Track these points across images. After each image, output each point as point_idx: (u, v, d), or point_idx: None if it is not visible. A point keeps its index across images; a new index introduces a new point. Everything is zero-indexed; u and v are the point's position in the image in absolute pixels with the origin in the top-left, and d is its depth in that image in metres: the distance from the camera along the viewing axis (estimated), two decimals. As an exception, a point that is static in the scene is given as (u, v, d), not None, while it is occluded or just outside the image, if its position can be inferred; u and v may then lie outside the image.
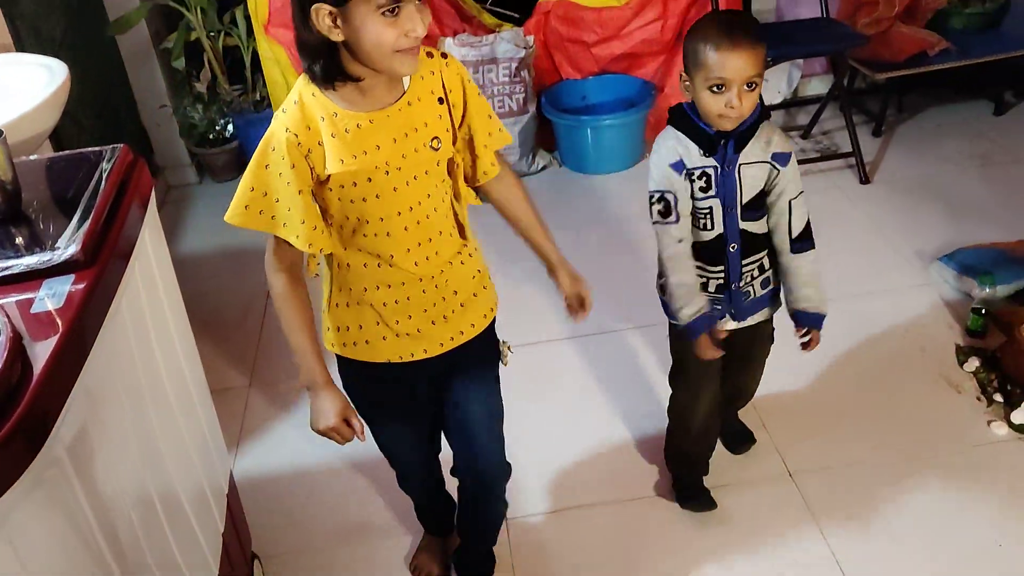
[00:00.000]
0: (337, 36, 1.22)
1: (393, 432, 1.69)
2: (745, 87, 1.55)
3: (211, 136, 3.58)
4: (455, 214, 1.48)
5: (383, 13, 1.20)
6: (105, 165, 1.39)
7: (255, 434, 2.37)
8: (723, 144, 1.63)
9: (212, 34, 3.39)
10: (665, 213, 1.68)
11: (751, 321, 1.84)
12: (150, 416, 1.35)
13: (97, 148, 1.45)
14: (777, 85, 3.77)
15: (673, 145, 1.66)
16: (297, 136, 1.29)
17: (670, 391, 1.96)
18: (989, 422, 2.16)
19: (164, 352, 1.45)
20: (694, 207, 1.69)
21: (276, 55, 3.32)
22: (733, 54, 1.52)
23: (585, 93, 3.55)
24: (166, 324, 1.49)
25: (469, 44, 3.35)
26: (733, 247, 1.72)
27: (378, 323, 1.47)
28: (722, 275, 1.75)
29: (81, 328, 1.12)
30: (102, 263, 1.21)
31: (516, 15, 3.59)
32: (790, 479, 2.06)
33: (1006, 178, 3.18)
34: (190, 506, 1.47)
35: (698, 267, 1.74)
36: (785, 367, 2.04)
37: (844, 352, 2.42)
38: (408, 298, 1.45)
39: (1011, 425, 2.13)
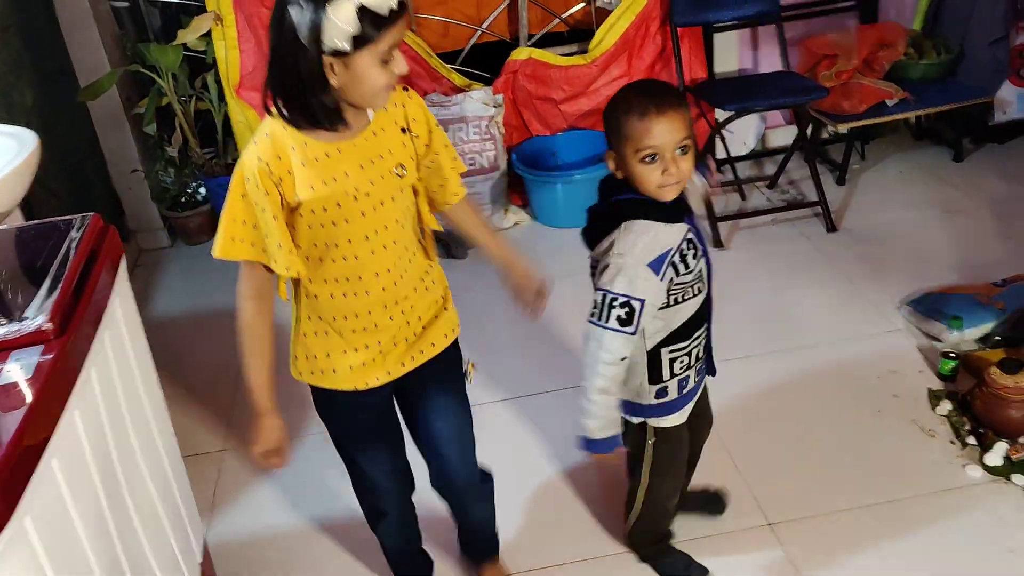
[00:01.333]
0: (333, 81, 1.30)
1: (369, 459, 1.71)
2: (678, 152, 1.49)
3: (183, 200, 3.58)
4: (420, 238, 1.56)
5: (382, 60, 1.31)
6: (74, 234, 1.39)
7: (230, 499, 2.34)
8: (680, 206, 1.59)
9: (183, 99, 3.41)
10: (626, 322, 1.54)
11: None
12: (120, 484, 1.33)
13: (67, 217, 1.46)
14: (743, 137, 3.84)
15: (651, 239, 1.54)
16: (269, 165, 1.35)
17: (644, 482, 1.83)
18: (964, 465, 2.17)
19: (135, 419, 1.44)
20: (684, 281, 1.59)
21: (248, 118, 3.35)
22: (661, 120, 1.46)
23: (555, 149, 3.60)
24: (137, 391, 1.48)
25: (439, 104, 3.39)
26: (707, 301, 1.69)
27: (344, 351, 1.52)
28: (702, 337, 1.69)
29: (49, 399, 1.11)
30: (71, 333, 1.21)
31: (485, 74, 3.66)
32: (770, 530, 2.06)
33: (968, 223, 3.25)
34: (163, 575, 1.45)
35: (686, 344, 1.65)
36: (758, 419, 2.04)
37: (817, 400, 2.43)
38: (376, 325, 1.51)
39: (985, 467, 2.14)
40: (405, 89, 1.50)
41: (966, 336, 2.54)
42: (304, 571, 2.11)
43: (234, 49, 3.29)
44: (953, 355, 2.44)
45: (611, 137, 1.53)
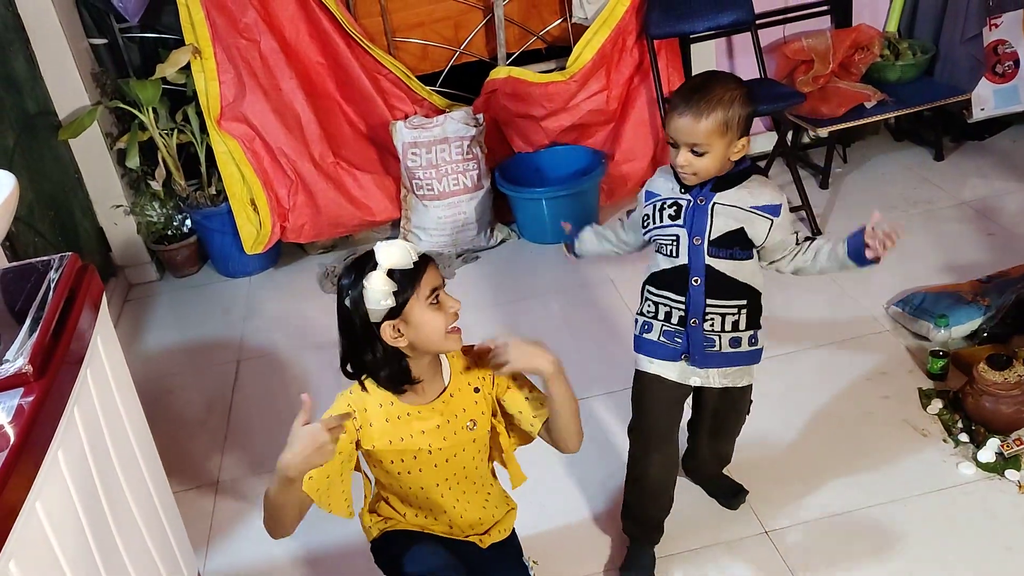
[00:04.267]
0: (403, 342, 1.46)
1: None
2: (691, 151, 1.67)
3: (169, 232, 3.58)
4: (491, 469, 1.73)
5: (430, 304, 1.46)
6: (53, 275, 1.39)
7: (226, 532, 2.32)
8: (700, 185, 1.74)
9: (165, 132, 3.42)
10: (627, 214, 1.94)
11: (715, 381, 1.85)
12: (108, 522, 1.33)
13: (45, 258, 1.46)
14: (725, 145, 3.85)
15: (657, 177, 1.84)
16: (355, 413, 1.53)
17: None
18: (957, 463, 2.17)
19: (122, 457, 1.43)
20: (660, 233, 1.78)
21: (230, 148, 3.35)
22: (679, 119, 1.66)
23: (538, 165, 3.61)
24: (123, 428, 1.47)
25: (420, 126, 3.41)
26: (696, 280, 1.76)
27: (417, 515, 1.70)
28: (683, 307, 1.79)
29: (31, 441, 1.11)
30: (52, 374, 1.21)
31: (466, 95, 3.67)
32: (766, 537, 2.05)
33: (951, 221, 3.26)
34: (156, 614, 1.44)
35: (664, 294, 1.82)
36: (749, 425, 2.04)
37: (809, 404, 2.44)
38: (436, 518, 1.68)
39: (978, 464, 2.15)
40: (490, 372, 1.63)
41: (953, 334, 2.54)
42: (302, 601, 2.10)
43: (213, 81, 3.30)
44: (942, 353, 2.45)
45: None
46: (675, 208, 1.77)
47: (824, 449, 2.28)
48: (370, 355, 1.48)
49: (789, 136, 3.60)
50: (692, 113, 1.65)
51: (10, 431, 1.10)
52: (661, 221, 1.78)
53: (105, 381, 1.42)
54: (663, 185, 1.81)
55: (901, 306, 2.71)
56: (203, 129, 3.40)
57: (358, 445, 1.54)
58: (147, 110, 3.32)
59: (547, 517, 2.20)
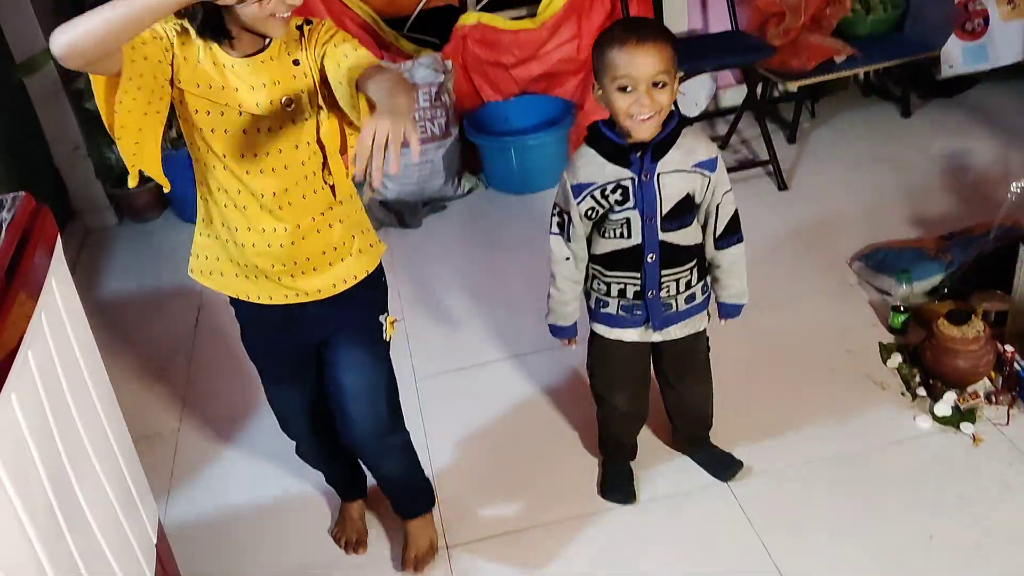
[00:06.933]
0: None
1: (278, 391, 1.80)
2: (653, 86, 1.56)
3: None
4: (325, 175, 1.54)
5: None
6: (5, 215, 1.35)
7: (186, 480, 2.31)
8: (639, 156, 1.65)
9: (124, 73, 3.32)
10: (561, 228, 1.76)
11: (675, 335, 1.87)
12: (65, 467, 1.30)
13: (-4, 197, 1.41)
14: (695, 98, 3.84)
15: (581, 165, 1.69)
16: (176, 37, 1.38)
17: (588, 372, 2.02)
18: (914, 416, 2.21)
19: (79, 401, 1.40)
20: (611, 219, 1.71)
21: (191, 91, 3.27)
22: (639, 51, 1.54)
23: (507, 114, 3.57)
24: (80, 374, 1.44)
25: (387, 71, 3.34)
26: (651, 257, 1.75)
27: (231, 259, 1.57)
28: (639, 283, 1.78)
29: (-17, 384, 1.08)
30: (3, 316, 1.17)
31: (434, 40, 3.60)
32: (726, 487, 2.08)
33: (916, 178, 3.28)
34: (116, 559, 1.42)
35: (616, 274, 1.78)
36: (714, 374, 2.06)
37: (770, 358, 2.46)
38: (268, 244, 1.52)
39: (935, 417, 2.18)
40: (308, 22, 1.47)
41: (915, 289, 2.57)
42: (264, 549, 2.09)
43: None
44: (903, 309, 2.48)
45: (596, 68, 1.61)
46: (621, 191, 1.67)
47: (785, 401, 2.31)
48: None
49: (759, 90, 3.58)
50: (651, 41, 1.53)
51: (-39, 374, 1.07)
52: (609, 206, 1.69)
53: (60, 325, 1.39)
54: (593, 171, 1.68)
55: (864, 261, 2.74)
56: (163, 70, 3.31)
57: (173, 83, 1.39)
58: (105, 49, 3.21)
59: (531, 464, 2.21)
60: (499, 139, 3.46)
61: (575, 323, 1.90)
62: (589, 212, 1.71)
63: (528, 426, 2.34)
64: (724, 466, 2.12)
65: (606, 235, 1.74)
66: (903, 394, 2.28)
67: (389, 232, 3.32)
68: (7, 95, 3.18)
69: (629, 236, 1.72)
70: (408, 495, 1.97)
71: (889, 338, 2.48)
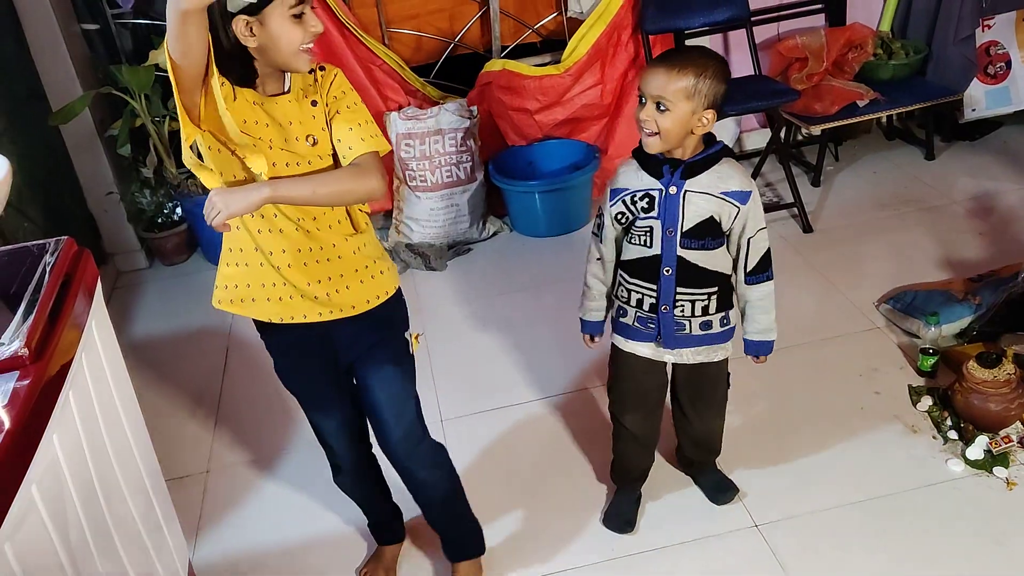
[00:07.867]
0: (252, 43, 1.41)
1: (316, 414, 1.81)
2: (655, 107, 1.66)
3: (159, 220, 3.56)
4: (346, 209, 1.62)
5: (292, 17, 1.41)
6: (49, 258, 1.38)
7: (216, 520, 2.32)
8: (671, 170, 1.73)
9: (157, 119, 3.40)
10: (599, 228, 1.87)
11: (689, 359, 1.90)
12: (101, 507, 1.32)
13: (40, 241, 1.45)
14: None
15: (623, 171, 1.81)
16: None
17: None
18: (946, 460, 2.18)
19: (115, 442, 1.43)
20: (636, 225, 1.79)
21: (222, 137, 3.33)
22: (655, 69, 1.67)
23: (531, 159, 3.61)
24: (116, 414, 1.47)
25: (414, 117, 3.40)
26: (668, 271, 1.79)
27: (263, 284, 1.59)
28: (655, 294, 1.82)
29: (27, 424, 1.10)
30: (47, 358, 1.20)
31: (460, 87, 3.66)
32: (756, 531, 2.06)
33: (942, 220, 3.28)
34: (148, 600, 1.43)
35: (636, 282, 1.84)
36: (742, 417, 2.05)
37: (801, 399, 2.44)
38: (304, 263, 1.57)
39: (967, 461, 2.16)
40: (321, 68, 1.56)
41: (944, 332, 2.56)
42: (292, 590, 2.09)
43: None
44: (932, 351, 2.46)
45: None
46: (647, 200, 1.76)
47: (815, 444, 2.29)
48: (222, 49, 1.40)
49: (783, 133, 3.61)
50: (665, 67, 1.66)
51: (5, 415, 1.09)
52: (636, 213, 1.78)
53: (99, 366, 1.41)
54: (630, 178, 1.79)
55: (893, 303, 2.73)
56: (195, 117, 3.37)
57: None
58: (139, 97, 3.29)
59: (558, 508, 2.20)
60: (523, 183, 3.49)
61: (600, 322, 1.98)
62: (619, 216, 1.81)
63: (555, 470, 2.33)
64: (720, 490, 2.15)
65: (632, 241, 1.82)
66: (934, 437, 2.26)
67: (415, 274, 3.35)
68: (42, 139, 3.25)
69: (650, 245, 1.79)
70: (455, 529, 1.98)
71: (918, 380, 2.46)
